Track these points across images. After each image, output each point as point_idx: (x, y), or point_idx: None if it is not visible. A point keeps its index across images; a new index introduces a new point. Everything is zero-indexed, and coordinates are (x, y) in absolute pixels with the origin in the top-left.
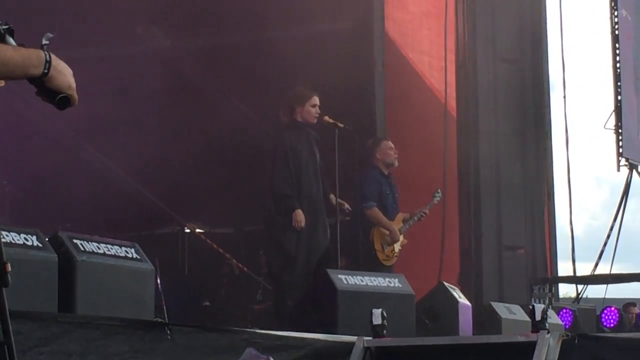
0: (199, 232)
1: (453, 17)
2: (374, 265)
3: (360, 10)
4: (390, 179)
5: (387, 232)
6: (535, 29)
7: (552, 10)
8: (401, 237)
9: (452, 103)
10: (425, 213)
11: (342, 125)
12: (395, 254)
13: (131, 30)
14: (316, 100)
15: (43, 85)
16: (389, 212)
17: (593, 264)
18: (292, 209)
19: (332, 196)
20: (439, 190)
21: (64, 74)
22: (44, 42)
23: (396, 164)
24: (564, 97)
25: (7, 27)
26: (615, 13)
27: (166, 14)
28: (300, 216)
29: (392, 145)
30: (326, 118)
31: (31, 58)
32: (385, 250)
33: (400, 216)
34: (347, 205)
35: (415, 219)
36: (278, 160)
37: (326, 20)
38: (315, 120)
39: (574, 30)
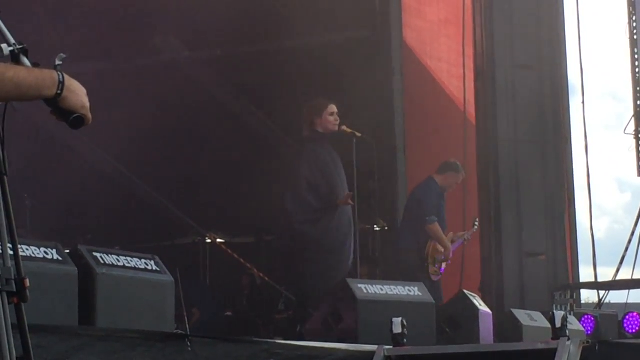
0: (220, 242)
1: (471, 25)
2: (424, 279)
3: (378, 19)
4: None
5: (442, 250)
6: (553, 35)
7: (570, 15)
8: None
9: (471, 110)
10: (466, 239)
11: (360, 135)
12: (439, 272)
13: (149, 41)
14: (333, 108)
15: (57, 105)
16: (443, 227)
17: (615, 269)
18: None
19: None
20: (477, 220)
21: (77, 94)
22: (57, 62)
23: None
24: (583, 102)
25: (21, 47)
26: (634, 18)
27: (184, 25)
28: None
29: (460, 180)
30: (344, 127)
31: (45, 79)
32: (436, 265)
33: (450, 235)
34: None
35: (462, 241)
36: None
37: (344, 29)
38: (336, 129)
39: (593, 35)
